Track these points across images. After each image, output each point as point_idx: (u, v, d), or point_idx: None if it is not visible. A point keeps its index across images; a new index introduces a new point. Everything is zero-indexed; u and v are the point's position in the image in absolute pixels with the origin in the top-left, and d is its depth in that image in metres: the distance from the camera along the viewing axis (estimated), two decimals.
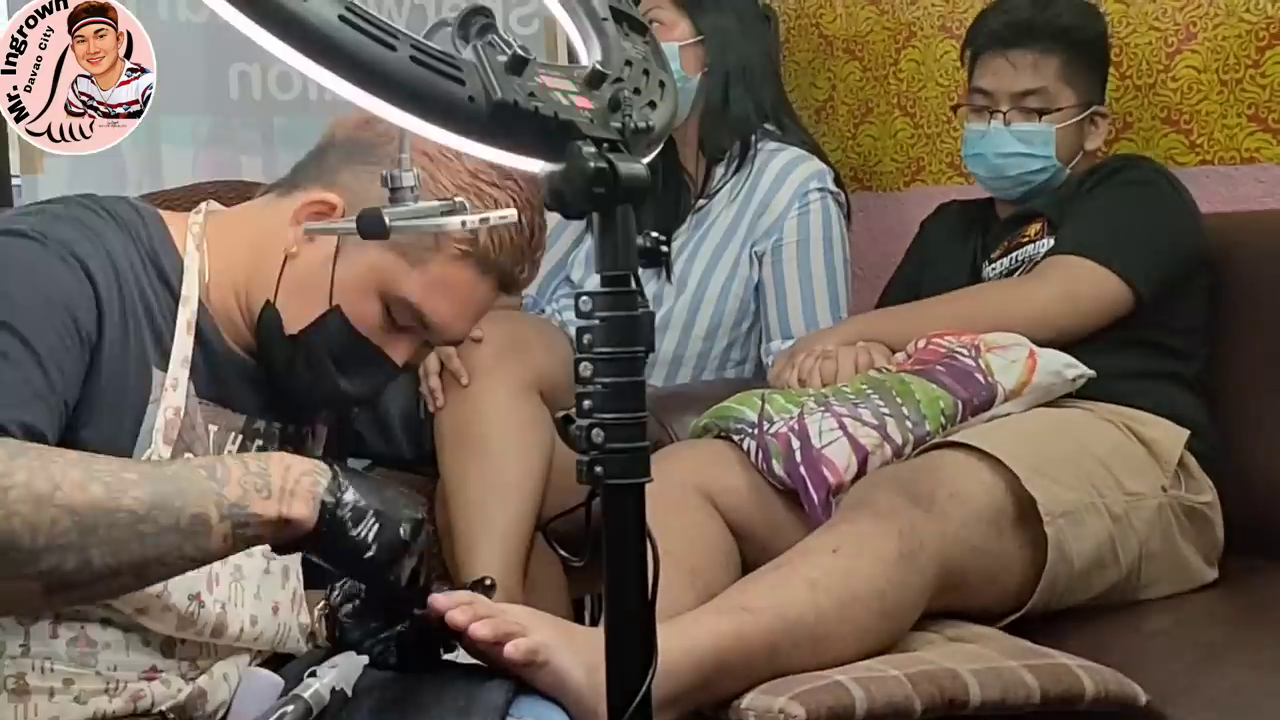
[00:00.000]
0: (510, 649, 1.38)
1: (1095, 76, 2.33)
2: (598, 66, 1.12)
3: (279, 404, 1.51)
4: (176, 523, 1.16)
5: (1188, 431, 2.04)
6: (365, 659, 1.43)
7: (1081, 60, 2.31)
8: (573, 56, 1.20)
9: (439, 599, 1.41)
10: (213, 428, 1.44)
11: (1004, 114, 2.30)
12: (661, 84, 1.17)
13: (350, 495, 1.24)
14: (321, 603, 1.47)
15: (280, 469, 1.23)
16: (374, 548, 1.25)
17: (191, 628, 1.38)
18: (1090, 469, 1.90)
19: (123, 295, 1.34)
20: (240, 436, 1.47)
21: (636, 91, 1.14)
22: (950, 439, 1.91)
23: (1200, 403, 2.15)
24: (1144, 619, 1.88)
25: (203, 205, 1.50)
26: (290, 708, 1.36)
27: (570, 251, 2.64)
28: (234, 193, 2.80)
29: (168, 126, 3.01)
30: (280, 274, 1.43)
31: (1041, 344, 2.05)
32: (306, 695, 1.37)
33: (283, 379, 1.47)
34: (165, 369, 1.38)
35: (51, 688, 1.32)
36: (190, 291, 1.41)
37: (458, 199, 1.30)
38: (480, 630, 1.38)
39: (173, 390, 1.38)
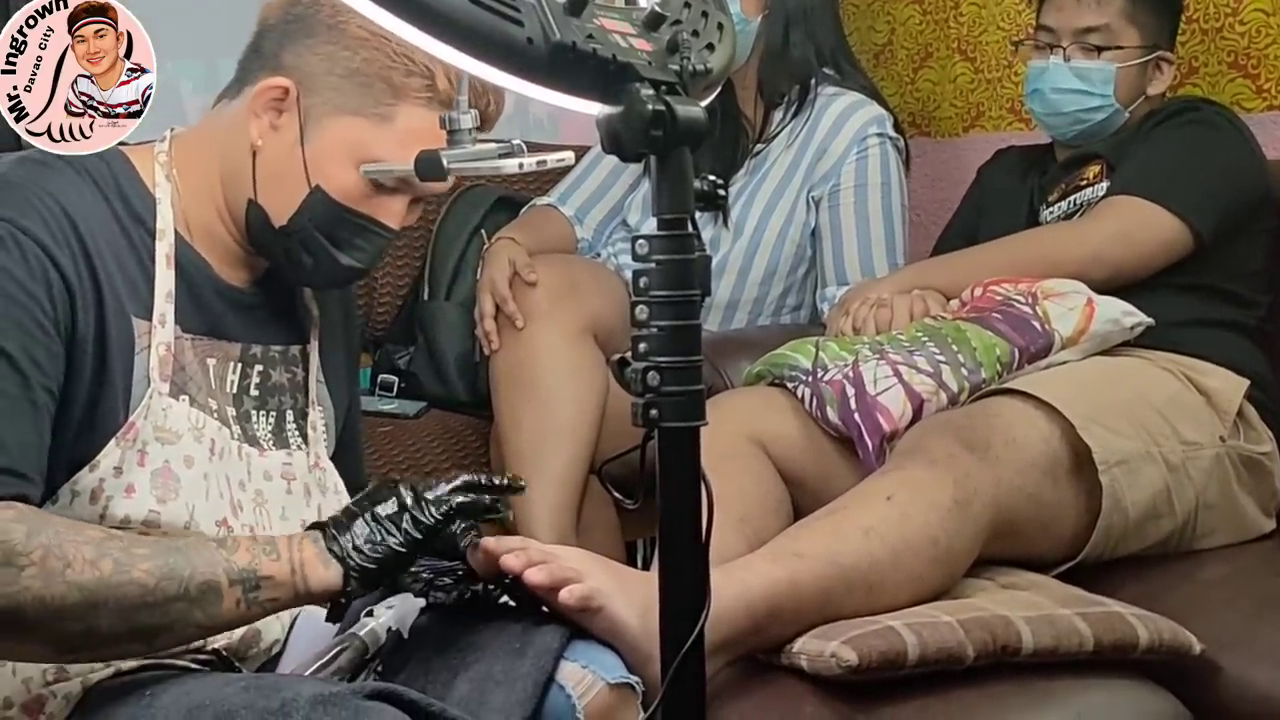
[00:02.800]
0: (565, 595, 1.39)
1: (1163, 20, 2.30)
2: (656, 8, 1.11)
3: (272, 327, 1.52)
4: (185, 591, 1.23)
5: (1247, 381, 2.02)
6: (422, 601, 1.44)
7: (1150, 2, 2.27)
8: None
9: (490, 543, 1.42)
10: (210, 361, 1.44)
11: (1064, 49, 2.27)
12: (720, 26, 1.16)
13: (341, 537, 1.30)
14: None
15: (285, 539, 1.30)
16: (403, 545, 1.31)
17: None
18: (1147, 418, 1.89)
19: (88, 255, 1.32)
20: (239, 365, 1.47)
21: (695, 34, 1.13)
22: (1006, 386, 1.90)
23: (1261, 352, 2.12)
24: (1199, 568, 1.87)
25: (166, 132, 1.49)
26: (346, 646, 1.38)
27: (627, 195, 2.64)
28: None
29: (226, 70, 3.01)
30: (254, 170, 1.42)
31: (1098, 283, 2.03)
32: (362, 634, 1.39)
33: (286, 270, 1.47)
34: (145, 316, 1.37)
35: None
36: (165, 224, 1.41)
37: (515, 142, 1.30)
38: (536, 576, 1.39)
39: (161, 327, 1.38)
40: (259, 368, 1.49)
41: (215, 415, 1.42)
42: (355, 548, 1.29)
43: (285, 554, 1.28)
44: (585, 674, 1.37)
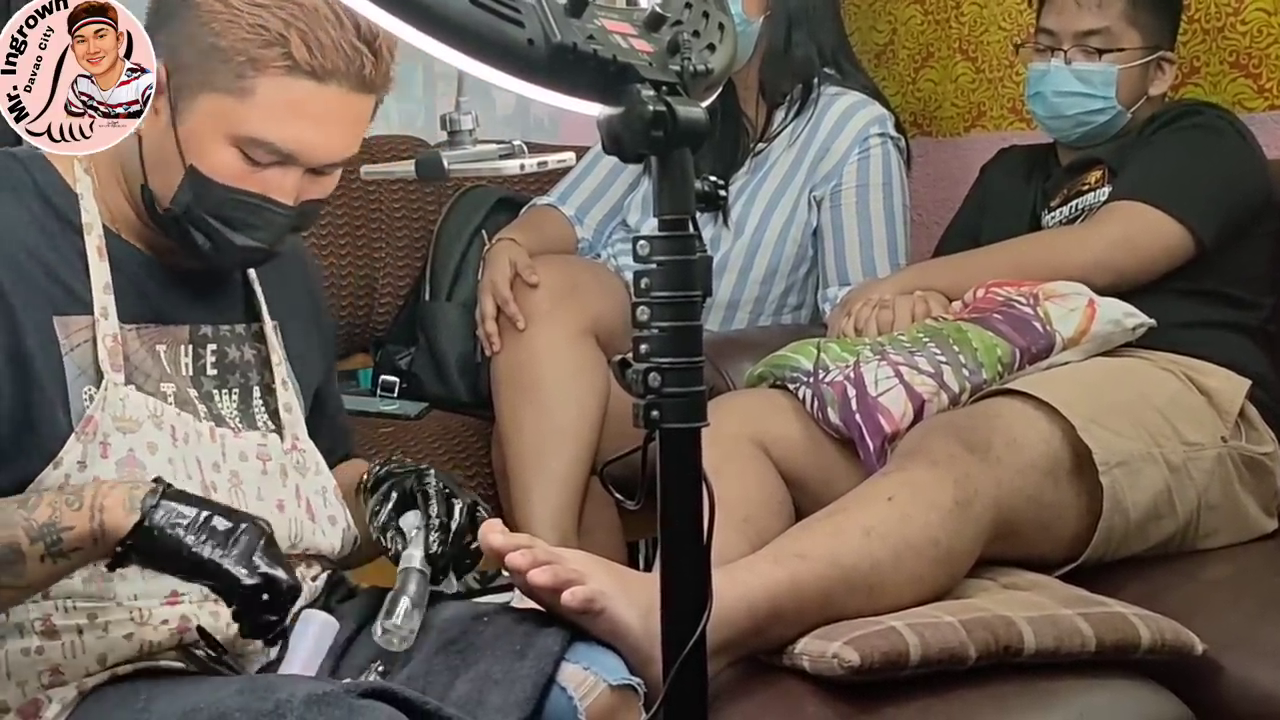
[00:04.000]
0: (568, 597, 1.39)
1: (1164, 21, 2.29)
2: (657, 9, 1.11)
3: (225, 305, 1.51)
4: None
5: (1249, 381, 2.02)
6: None
7: (1150, 3, 2.27)
8: None
9: (496, 539, 1.43)
10: (160, 347, 1.43)
11: (1065, 52, 2.27)
12: (721, 26, 1.16)
13: (173, 502, 1.25)
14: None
15: (95, 485, 1.27)
16: (202, 546, 1.24)
17: None
18: (1148, 419, 1.88)
19: None
20: (190, 346, 1.47)
21: (696, 34, 1.13)
22: (1007, 387, 1.90)
23: (1262, 352, 2.12)
24: (1202, 568, 1.87)
25: None
26: (410, 577, 1.42)
27: (626, 195, 2.63)
28: None
29: None
30: (140, 155, 1.40)
31: (1101, 288, 2.03)
32: (416, 565, 1.43)
33: (189, 252, 1.43)
34: (80, 311, 1.37)
35: (78, 625, 1.34)
36: (91, 218, 1.40)
37: (516, 143, 1.30)
38: (539, 577, 1.39)
39: (104, 319, 1.38)
40: (212, 347, 1.49)
41: (173, 400, 1.42)
42: (168, 524, 1.24)
43: (88, 500, 1.24)
44: (587, 675, 1.38)
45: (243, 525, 1.26)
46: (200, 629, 1.38)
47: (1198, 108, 2.28)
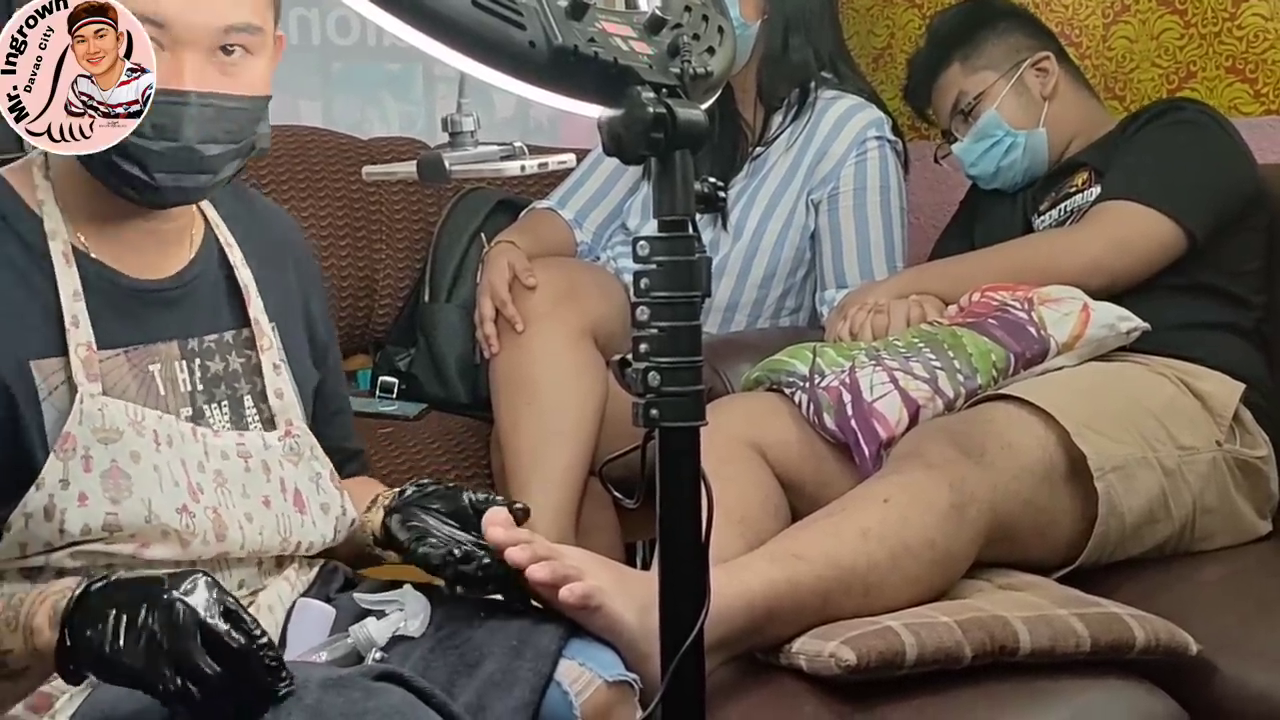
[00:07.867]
0: (565, 593, 1.40)
1: (1003, 44, 2.40)
2: (657, 12, 1.12)
3: (207, 316, 1.47)
4: None
5: (1243, 385, 2.02)
6: (426, 605, 1.45)
7: (974, 48, 2.39)
8: (632, 2, 1.20)
9: (497, 532, 1.43)
10: (153, 367, 1.41)
11: (953, 131, 2.42)
12: (720, 30, 1.17)
13: (94, 600, 1.14)
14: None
15: (31, 598, 1.19)
16: (117, 645, 1.11)
17: (194, 541, 1.37)
18: (1143, 423, 1.89)
19: None
20: (183, 362, 1.44)
21: (695, 37, 1.14)
22: (1002, 392, 1.91)
23: (1257, 355, 2.13)
24: (1196, 570, 1.88)
25: None
26: (334, 645, 1.40)
27: (626, 198, 2.64)
28: (292, 137, 2.83)
29: None
30: None
31: (1096, 291, 2.04)
32: (354, 637, 1.41)
33: (136, 190, 1.35)
34: (53, 352, 1.34)
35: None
36: (55, 224, 1.37)
37: (517, 144, 1.30)
38: (538, 572, 1.40)
39: (76, 328, 1.35)
40: (199, 361, 1.46)
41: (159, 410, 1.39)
42: (87, 638, 1.13)
43: (22, 619, 1.18)
44: (583, 672, 1.38)
45: (177, 605, 1.11)
46: None
47: (1178, 104, 2.29)
